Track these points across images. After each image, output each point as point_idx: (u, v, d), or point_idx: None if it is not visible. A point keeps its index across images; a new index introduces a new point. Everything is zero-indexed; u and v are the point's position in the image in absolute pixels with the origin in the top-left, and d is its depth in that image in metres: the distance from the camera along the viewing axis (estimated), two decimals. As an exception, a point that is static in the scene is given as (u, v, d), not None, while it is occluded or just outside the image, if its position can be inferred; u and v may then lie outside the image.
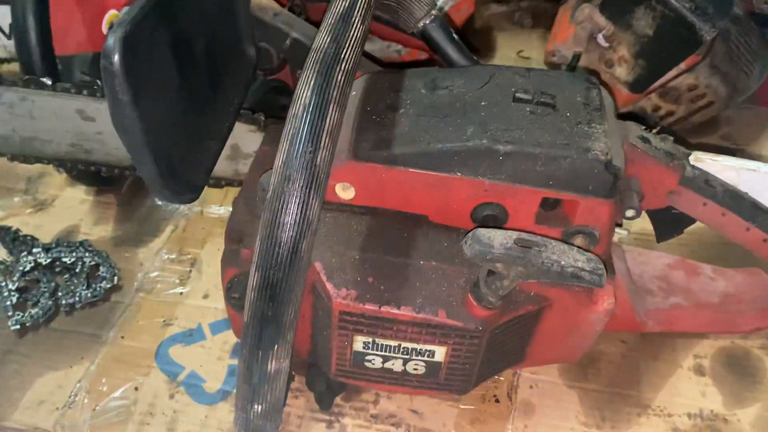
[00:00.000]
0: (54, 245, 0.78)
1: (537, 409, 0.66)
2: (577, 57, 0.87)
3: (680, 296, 0.69)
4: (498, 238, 0.47)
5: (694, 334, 0.72)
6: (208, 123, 0.61)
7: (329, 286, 0.52)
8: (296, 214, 0.40)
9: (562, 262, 0.47)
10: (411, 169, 0.51)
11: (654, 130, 0.59)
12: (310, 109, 0.40)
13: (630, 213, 0.54)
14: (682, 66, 0.83)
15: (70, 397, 0.66)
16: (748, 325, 0.70)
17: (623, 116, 0.59)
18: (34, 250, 0.77)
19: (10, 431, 0.64)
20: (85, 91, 0.71)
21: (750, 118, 0.99)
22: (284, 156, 0.39)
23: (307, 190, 0.39)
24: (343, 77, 0.42)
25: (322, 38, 0.43)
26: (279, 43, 0.74)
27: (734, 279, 0.71)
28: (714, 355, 0.70)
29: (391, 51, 0.99)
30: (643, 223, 0.75)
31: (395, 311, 0.52)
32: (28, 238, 0.80)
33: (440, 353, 0.55)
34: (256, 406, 0.43)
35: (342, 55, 0.42)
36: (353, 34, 0.44)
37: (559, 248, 0.48)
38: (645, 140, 0.57)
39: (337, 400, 0.65)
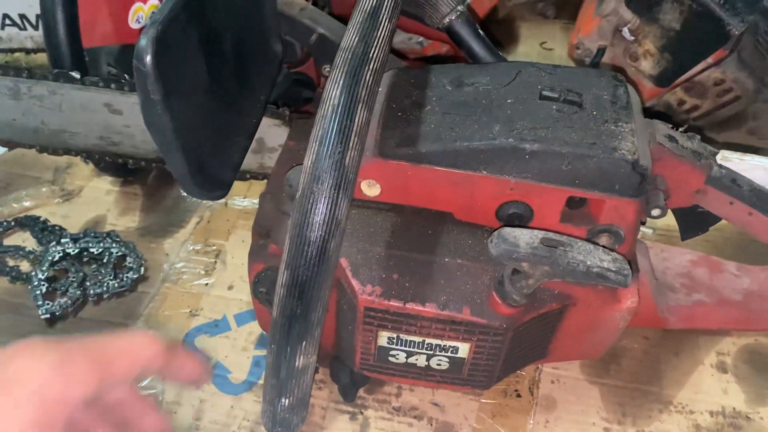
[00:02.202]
0: (82, 235, 0.79)
1: (558, 404, 0.66)
2: (601, 50, 0.86)
3: (703, 293, 0.69)
4: (524, 238, 0.48)
5: (717, 331, 0.72)
6: (236, 119, 0.61)
7: (355, 282, 0.53)
8: (325, 215, 0.40)
9: (588, 262, 0.47)
10: (437, 167, 0.51)
11: (681, 129, 0.58)
12: (339, 110, 0.40)
13: (656, 212, 0.53)
14: (709, 60, 0.82)
15: (98, 385, 0.67)
16: None
17: (649, 113, 0.59)
18: (63, 240, 0.78)
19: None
20: (112, 85, 0.71)
21: (777, 113, 0.98)
22: (314, 156, 0.40)
23: (336, 191, 0.40)
24: (371, 77, 0.42)
25: (350, 37, 0.43)
26: (305, 38, 0.74)
27: (759, 276, 0.71)
28: (737, 352, 0.70)
29: (413, 43, 0.99)
30: (667, 220, 0.75)
31: (420, 308, 0.52)
32: (57, 228, 0.82)
33: (464, 350, 0.55)
34: (283, 400, 0.44)
35: (370, 55, 0.42)
36: (381, 33, 0.44)
37: (585, 248, 0.48)
38: (672, 139, 0.56)
39: (360, 392, 0.66)
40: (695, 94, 0.86)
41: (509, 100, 0.53)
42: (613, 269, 0.47)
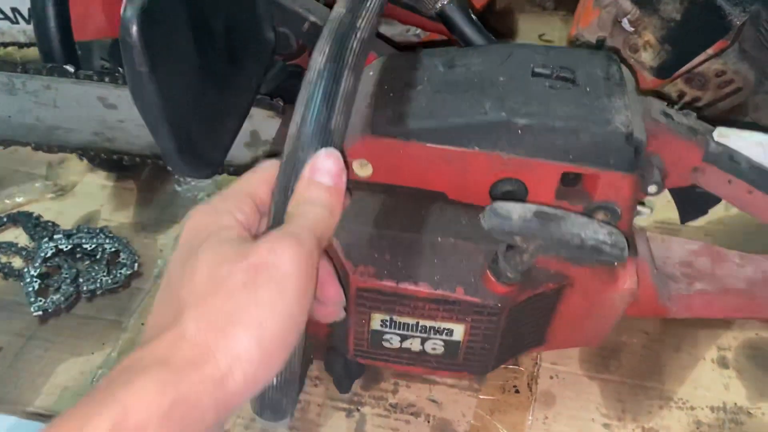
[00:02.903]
0: (75, 231, 0.78)
1: (557, 400, 0.65)
2: (601, 42, 0.85)
3: (705, 282, 0.68)
4: (517, 211, 0.47)
5: (718, 326, 0.71)
6: (226, 100, 0.61)
7: (346, 263, 0.52)
8: None
9: (583, 235, 0.46)
10: (428, 144, 0.51)
11: (676, 107, 0.57)
12: (325, 74, 0.39)
13: (653, 189, 0.53)
14: (710, 51, 0.81)
15: (92, 383, 0.67)
16: None
17: (645, 94, 0.58)
18: (56, 236, 0.78)
19: (33, 417, 0.65)
20: (107, 78, 0.70)
21: (778, 104, 0.97)
22: (299, 120, 0.39)
23: None
24: (358, 45, 0.41)
25: (338, 10, 0.43)
26: (297, 27, 0.73)
27: (762, 265, 0.69)
28: (738, 347, 0.69)
29: (410, 35, 0.98)
30: (668, 212, 0.74)
31: (413, 287, 0.52)
32: (50, 223, 0.81)
33: (459, 332, 0.54)
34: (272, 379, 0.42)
35: (357, 24, 0.42)
36: (370, 5, 0.43)
37: (579, 221, 0.47)
38: (667, 116, 0.56)
39: (356, 389, 0.66)
40: (696, 85, 0.85)
41: (501, 78, 0.53)
42: (609, 242, 0.46)
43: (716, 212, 0.80)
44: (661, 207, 0.81)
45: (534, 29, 1.11)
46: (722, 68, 0.82)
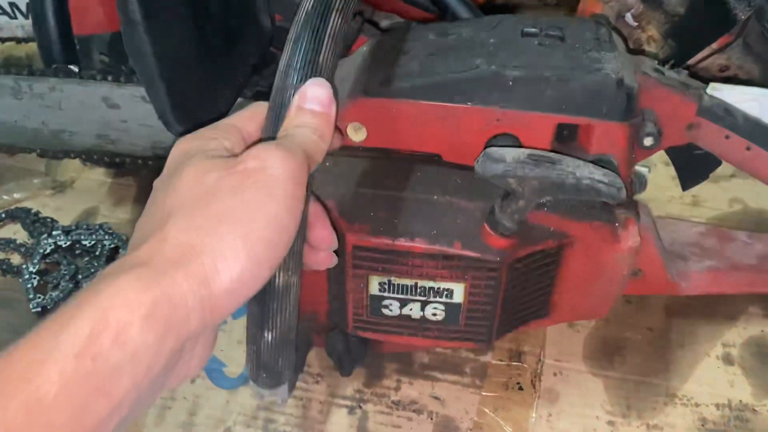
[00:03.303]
0: (74, 227, 0.78)
1: (561, 397, 0.65)
2: (604, 36, 0.85)
3: (715, 259, 0.67)
4: (510, 154, 0.47)
5: (723, 322, 0.70)
6: (222, 72, 0.60)
7: (341, 221, 0.52)
8: None
9: (578, 174, 0.46)
10: (421, 101, 0.51)
11: (667, 66, 0.57)
12: (313, 14, 0.40)
13: (648, 141, 0.52)
14: (714, 46, 0.80)
15: (91, 380, 0.66)
16: None
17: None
18: (54, 233, 0.77)
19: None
20: (109, 77, 0.70)
21: (782, 100, 0.96)
22: (287, 56, 0.39)
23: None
24: None
25: None
26: (292, 14, 0.72)
27: None
28: (743, 344, 0.69)
29: None
30: (670, 207, 0.73)
31: (410, 243, 0.51)
32: (48, 220, 0.80)
33: (459, 292, 0.54)
34: (266, 334, 0.41)
35: None
36: None
37: (574, 162, 0.47)
38: (658, 71, 0.55)
39: (358, 386, 0.65)
40: (700, 80, 0.84)
41: (492, 40, 0.53)
42: (605, 181, 0.46)
43: (719, 207, 0.80)
44: (665, 202, 0.81)
45: (536, 25, 1.10)
46: (726, 63, 0.82)
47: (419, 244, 0.51)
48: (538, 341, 0.68)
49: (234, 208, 0.33)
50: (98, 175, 0.87)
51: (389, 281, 0.54)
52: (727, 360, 0.67)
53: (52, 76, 0.72)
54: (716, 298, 0.72)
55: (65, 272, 0.73)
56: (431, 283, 0.54)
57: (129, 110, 0.71)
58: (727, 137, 0.56)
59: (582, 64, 0.50)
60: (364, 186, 0.53)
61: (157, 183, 0.37)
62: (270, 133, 0.39)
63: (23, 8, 0.97)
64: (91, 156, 0.77)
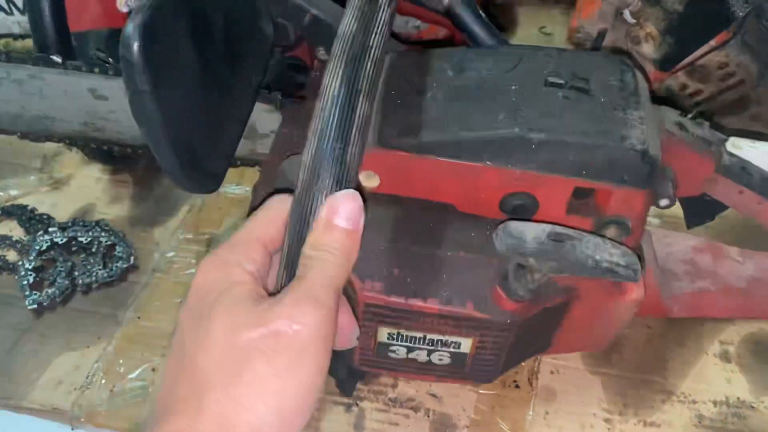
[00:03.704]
0: (70, 224, 0.78)
1: (558, 395, 0.65)
2: (602, 34, 0.84)
3: (707, 280, 0.67)
4: (531, 232, 0.46)
5: (720, 320, 0.70)
6: (228, 106, 0.59)
7: (354, 277, 0.51)
8: None
9: (597, 257, 0.46)
10: (439, 158, 0.49)
11: (689, 115, 0.56)
12: (339, 102, 0.38)
13: (664, 203, 0.52)
14: (712, 43, 0.80)
15: (87, 377, 0.66)
16: None
17: (656, 99, 0.57)
18: (51, 229, 0.77)
19: (28, 411, 0.64)
20: (96, 69, 0.69)
21: (781, 98, 0.96)
22: (313, 152, 0.37)
23: (338, 187, 0.38)
24: (372, 67, 0.40)
25: (348, 24, 0.41)
26: (298, 20, 0.72)
27: (762, 263, 0.69)
28: (740, 341, 0.69)
29: (410, 27, 0.97)
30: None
31: (422, 303, 0.51)
32: (45, 216, 0.80)
33: (466, 345, 0.54)
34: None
35: (370, 42, 0.40)
36: (381, 18, 0.42)
37: (593, 242, 0.46)
38: (681, 127, 0.54)
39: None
40: (698, 78, 0.84)
41: (513, 87, 0.51)
42: (623, 264, 0.46)
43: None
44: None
45: (534, 22, 1.10)
46: (724, 60, 0.81)
47: (432, 305, 0.51)
48: (536, 339, 0.68)
49: (267, 378, 0.33)
50: (95, 171, 0.87)
51: (398, 332, 0.54)
52: (725, 357, 0.67)
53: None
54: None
55: (61, 269, 0.73)
56: (440, 336, 0.53)
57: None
58: (740, 192, 0.56)
59: (607, 128, 0.48)
60: (377, 237, 0.52)
61: (183, 318, 0.37)
62: (294, 250, 0.37)
63: (20, 4, 0.96)
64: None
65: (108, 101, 0.71)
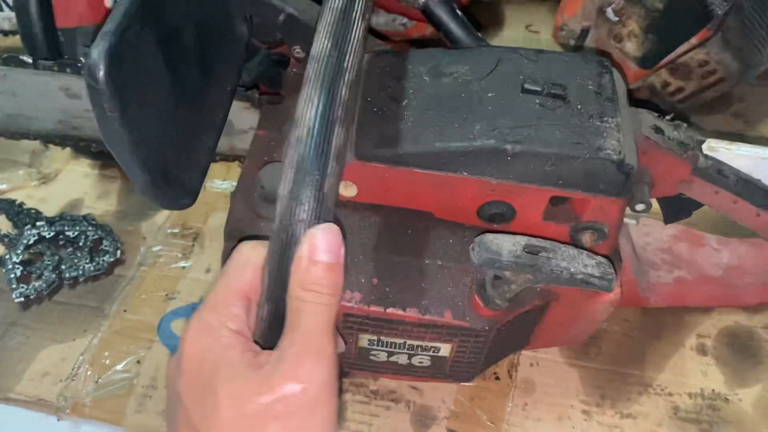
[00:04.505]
0: (58, 219, 0.78)
1: (537, 387, 0.66)
2: (585, 32, 0.85)
3: (684, 269, 0.69)
4: (506, 246, 0.47)
5: (698, 313, 0.71)
6: (201, 117, 0.58)
7: None
8: None
9: (572, 269, 0.46)
10: (416, 169, 0.49)
11: (668, 117, 0.57)
12: (316, 132, 0.38)
13: (640, 207, 0.53)
14: (693, 41, 0.81)
15: (73, 369, 0.67)
16: (752, 298, 0.70)
17: (635, 101, 0.57)
18: (38, 224, 0.77)
19: (14, 403, 0.65)
20: (68, 69, 0.68)
21: (763, 96, 0.97)
22: (290, 185, 0.37)
23: (317, 221, 0.38)
24: (346, 91, 0.39)
25: (321, 43, 0.40)
26: (272, 18, 0.70)
27: (738, 250, 0.71)
28: (717, 334, 0.70)
29: (397, 24, 0.97)
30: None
31: (401, 313, 0.51)
32: (32, 211, 0.80)
33: (446, 349, 0.55)
34: None
35: (345, 65, 0.40)
36: (355, 35, 0.41)
37: (568, 254, 0.47)
38: (658, 130, 0.55)
39: (337, 375, 0.66)
40: (680, 75, 0.85)
41: (490, 94, 0.51)
42: (597, 275, 0.47)
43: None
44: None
45: (521, 20, 1.11)
46: (705, 58, 0.82)
47: (410, 314, 0.51)
48: (516, 332, 0.69)
49: None
50: (83, 166, 0.88)
51: (378, 339, 0.54)
52: (701, 350, 0.68)
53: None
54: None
55: (49, 263, 0.74)
56: (419, 342, 0.54)
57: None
58: (716, 192, 0.58)
59: (583, 138, 0.48)
60: (354, 247, 0.52)
61: (183, 392, 0.37)
62: (279, 293, 0.37)
63: (8, 0, 0.97)
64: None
65: (82, 100, 0.71)
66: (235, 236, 0.54)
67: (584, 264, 0.47)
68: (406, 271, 0.52)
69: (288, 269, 0.37)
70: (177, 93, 0.52)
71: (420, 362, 0.57)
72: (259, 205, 0.54)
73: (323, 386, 0.35)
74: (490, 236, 0.47)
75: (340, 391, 0.64)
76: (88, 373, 0.66)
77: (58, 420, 0.64)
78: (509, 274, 0.48)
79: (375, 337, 0.54)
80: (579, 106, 0.50)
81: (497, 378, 0.66)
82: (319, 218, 0.37)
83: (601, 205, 0.50)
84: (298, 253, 0.36)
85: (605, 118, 0.50)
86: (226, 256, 0.54)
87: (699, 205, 0.62)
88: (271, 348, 0.37)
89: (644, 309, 0.71)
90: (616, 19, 0.84)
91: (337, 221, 0.38)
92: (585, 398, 0.65)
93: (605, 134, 0.49)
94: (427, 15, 0.61)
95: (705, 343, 0.69)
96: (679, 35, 0.82)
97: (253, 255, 0.40)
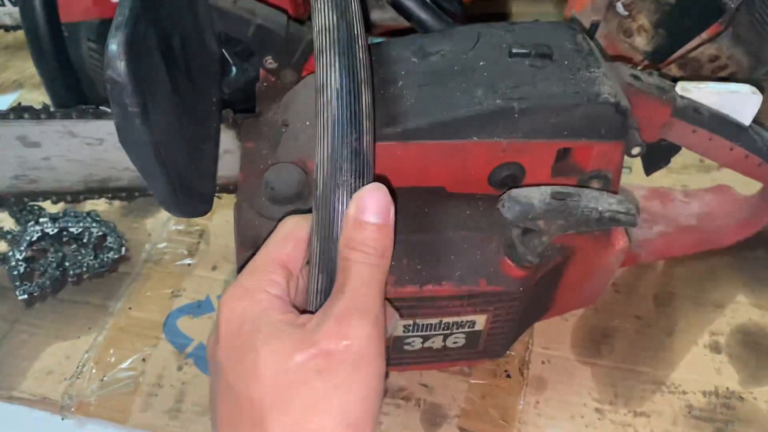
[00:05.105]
0: (61, 215, 0.77)
1: (549, 385, 0.65)
2: (594, 26, 0.84)
3: (663, 224, 0.72)
4: (535, 195, 0.47)
5: (711, 310, 0.70)
6: (199, 126, 0.57)
7: None
8: None
9: (600, 208, 0.47)
10: (427, 141, 0.50)
11: (639, 67, 0.58)
12: (344, 93, 0.37)
13: (636, 150, 0.53)
14: (704, 35, 0.80)
15: (77, 367, 0.66)
16: (729, 239, 0.72)
17: (608, 58, 0.59)
18: (42, 220, 0.77)
19: (18, 401, 0.64)
20: (26, 115, 0.62)
21: (772, 91, 0.96)
22: (329, 147, 0.36)
23: (360, 180, 0.37)
24: (365, 55, 0.39)
25: (326, 16, 0.40)
26: (243, 31, 0.68)
27: (705, 198, 0.75)
28: (731, 332, 0.69)
29: (387, 18, 0.95)
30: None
31: (437, 288, 0.51)
32: (36, 207, 0.80)
33: (481, 322, 0.54)
34: None
35: (355, 32, 0.40)
36: (355, 6, 0.42)
37: (592, 195, 0.48)
38: (636, 78, 0.57)
39: (346, 373, 0.65)
40: (690, 70, 0.84)
41: (481, 63, 0.52)
42: (623, 210, 0.48)
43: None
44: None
45: (527, 15, 1.10)
46: (716, 53, 0.82)
47: (446, 288, 0.51)
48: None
49: (327, 394, 0.33)
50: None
51: (414, 322, 0.54)
52: (715, 348, 0.68)
53: None
54: (704, 287, 0.72)
55: (52, 259, 0.73)
56: (455, 318, 0.54)
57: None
58: (694, 131, 0.59)
59: (579, 87, 0.50)
60: None
61: (221, 357, 0.36)
62: (328, 254, 0.36)
63: (10, -3, 0.96)
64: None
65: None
66: (250, 243, 0.53)
67: (609, 202, 0.48)
68: (433, 247, 0.52)
69: (336, 232, 0.36)
70: (177, 100, 0.51)
71: (455, 342, 0.56)
72: (268, 207, 0.53)
73: (368, 343, 0.34)
74: (516, 190, 0.48)
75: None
76: (93, 371, 0.66)
77: (63, 419, 0.63)
78: (542, 224, 0.48)
79: (410, 322, 0.54)
80: (566, 62, 0.52)
81: (508, 376, 0.65)
82: (363, 177, 0.36)
83: (605, 150, 0.52)
84: (346, 215, 0.36)
85: (592, 69, 0.52)
86: (242, 265, 0.53)
87: (676, 150, 0.64)
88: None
89: (656, 305, 0.70)
90: (626, 13, 0.83)
91: (385, 183, 0.37)
92: (597, 396, 0.64)
93: (598, 82, 0.51)
94: (395, 6, 0.60)
95: (718, 341, 0.68)
96: (689, 30, 0.81)
97: (296, 228, 0.39)
